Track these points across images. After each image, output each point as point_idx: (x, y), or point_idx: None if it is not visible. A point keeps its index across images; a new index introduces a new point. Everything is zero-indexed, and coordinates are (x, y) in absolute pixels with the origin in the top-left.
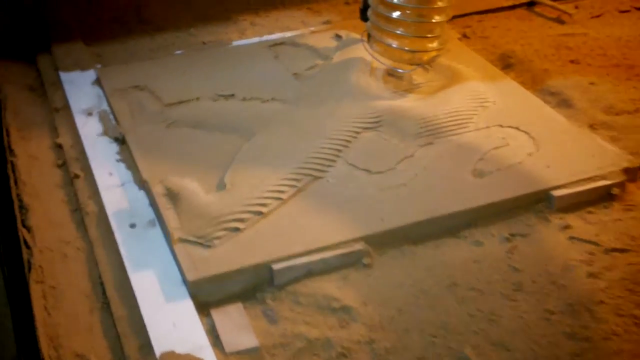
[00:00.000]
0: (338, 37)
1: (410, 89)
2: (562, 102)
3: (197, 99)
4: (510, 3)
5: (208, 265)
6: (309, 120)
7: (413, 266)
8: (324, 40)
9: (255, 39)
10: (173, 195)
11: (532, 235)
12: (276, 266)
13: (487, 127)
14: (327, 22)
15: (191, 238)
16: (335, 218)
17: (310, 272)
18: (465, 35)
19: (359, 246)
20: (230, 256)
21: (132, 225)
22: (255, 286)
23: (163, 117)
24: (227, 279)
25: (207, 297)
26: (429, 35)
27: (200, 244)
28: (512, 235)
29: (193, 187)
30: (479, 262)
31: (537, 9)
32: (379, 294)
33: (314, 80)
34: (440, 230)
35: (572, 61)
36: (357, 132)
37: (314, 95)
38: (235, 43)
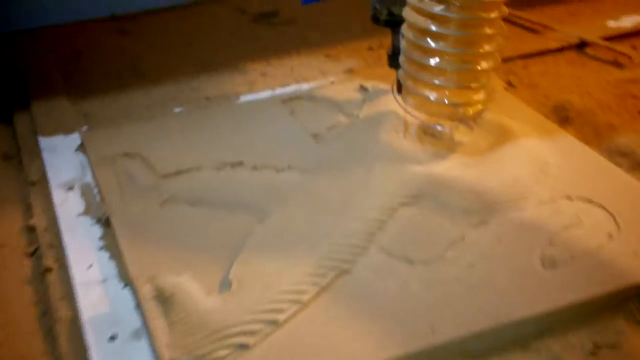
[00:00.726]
0: (363, 89)
1: (452, 150)
2: (638, 165)
3: (198, 168)
4: (557, 45)
5: None
6: (333, 195)
7: None
8: (347, 93)
9: (267, 93)
10: (165, 299)
11: (623, 345)
12: None
13: (553, 200)
14: (349, 71)
15: (186, 358)
16: (371, 328)
17: None
18: (510, 84)
19: None
20: None
21: (113, 337)
22: None
23: (157, 192)
24: None
25: None
26: (474, 85)
27: None
28: (598, 347)
29: (191, 288)
30: None
31: (589, 50)
32: None
33: (337, 143)
34: (506, 342)
35: None
36: (394, 209)
37: (337, 162)
38: (243, 98)
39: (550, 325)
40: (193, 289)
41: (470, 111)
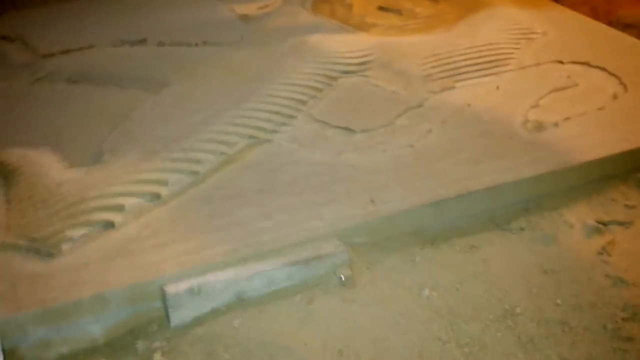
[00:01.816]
0: None
1: (413, 23)
2: None
3: (90, 47)
4: None
5: (39, 290)
6: (256, 62)
7: (430, 282)
8: None
9: None
10: (7, 173)
11: (637, 221)
12: (173, 287)
13: (538, 63)
14: None
15: (22, 241)
16: (289, 203)
17: (242, 298)
18: None
19: (330, 248)
20: (86, 273)
21: None
22: (134, 330)
23: (31, 70)
24: (77, 316)
25: (34, 353)
26: None
27: (37, 250)
28: (604, 223)
29: (44, 159)
30: (553, 273)
31: None
32: (365, 340)
33: (268, 19)
34: (478, 219)
35: None
36: (332, 77)
37: (267, 35)
38: None
39: (539, 198)
40: (47, 160)
41: None
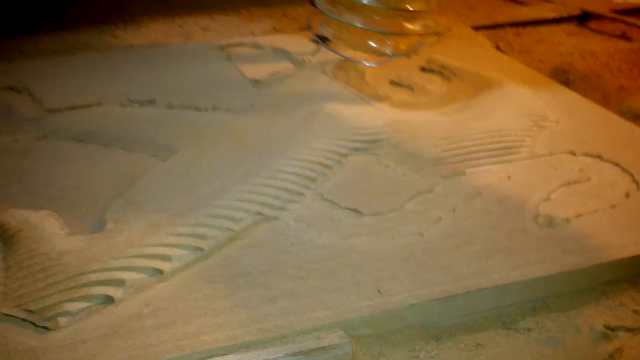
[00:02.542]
0: (321, 38)
1: (423, 100)
2: None
3: (99, 104)
4: (556, 15)
5: None
6: (265, 133)
7: None
8: (299, 43)
9: (204, 42)
10: (7, 237)
11: None
12: None
13: (551, 154)
14: (309, 28)
15: (18, 313)
16: (294, 287)
17: None
18: (498, 49)
19: (334, 339)
20: (83, 351)
21: None
22: None
23: (37, 126)
24: None
25: None
26: (408, 8)
27: (33, 323)
28: (612, 328)
29: (46, 224)
30: None
31: (593, 25)
32: None
33: (279, 86)
34: (485, 317)
35: None
36: (342, 154)
37: (275, 103)
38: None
39: (547, 298)
40: (49, 226)
41: (402, 45)
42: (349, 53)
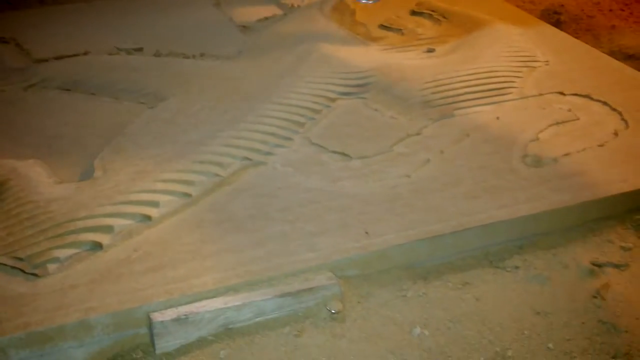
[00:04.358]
0: None
1: (414, 43)
2: None
3: (86, 53)
4: None
5: (23, 312)
6: (252, 78)
7: (422, 320)
8: None
9: None
10: None
11: (632, 264)
12: (161, 315)
13: (540, 94)
14: None
15: (6, 260)
16: (282, 231)
17: (230, 328)
18: None
19: (322, 280)
20: (72, 296)
21: None
22: (118, 356)
23: (24, 76)
24: (61, 340)
25: None
26: None
27: (22, 270)
28: (599, 265)
29: (34, 173)
30: (546, 315)
31: None
32: None
33: (267, 31)
34: (472, 256)
35: None
36: (330, 98)
37: (263, 48)
38: None
39: (532, 236)
40: (36, 175)
41: None
42: None
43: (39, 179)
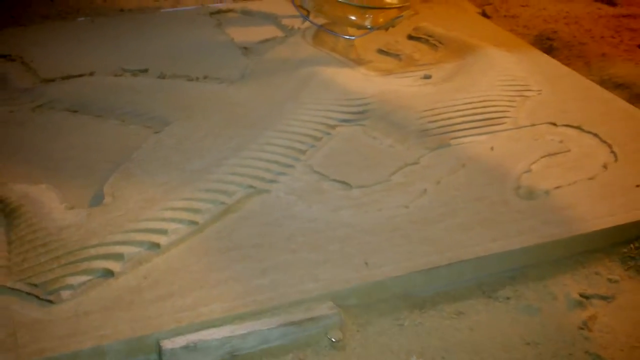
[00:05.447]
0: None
1: (411, 69)
2: (636, 98)
3: (91, 73)
4: None
5: (39, 338)
6: (255, 105)
7: (418, 349)
8: (287, 8)
9: (194, 7)
10: (9, 212)
11: (619, 297)
12: (170, 343)
13: (533, 124)
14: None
15: (21, 286)
16: (286, 260)
17: (235, 355)
18: (484, 14)
19: (323, 310)
20: (85, 321)
21: None
22: None
23: (32, 96)
24: None
25: None
26: None
27: (37, 296)
28: (586, 297)
29: (46, 198)
30: (535, 345)
31: None
32: None
33: (269, 55)
34: (466, 286)
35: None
36: (331, 126)
37: (266, 72)
38: (164, 10)
39: (525, 268)
40: (48, 200)
41: (380, 18)
42: (329, 26)
43: (51, 205)
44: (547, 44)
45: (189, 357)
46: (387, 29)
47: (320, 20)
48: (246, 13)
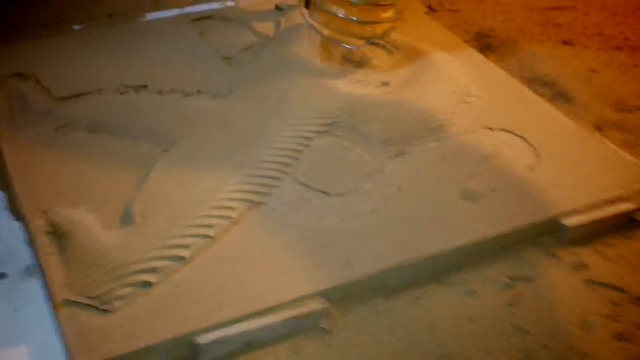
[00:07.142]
0: (279, 9)
1: (370, 74)
2: (559, 95)
3: (99, 91)
4: None
5: (105, 341)
6: (245, 123)
7: (389, 329)
8: (261, 14)
9: (175, 11)
10: (60, 235)
11: (539, 278)
12: (202, 338)
13: (474, 130)
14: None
15: (82, 299)
16: (284, 264)
17: (250, 344)
18: (430, 8)
19: (315, 305)
20: (137, 325)
21: (2, 275)
22: None
23: (52, 117)
24: None
25: None
26: (383, 3)
27: (95, 307)
28: (513, 279)
29: (88, 222)
30: (475, 321)
31: None
32: None
33: (251, 67)
34: (423, 276)
35: (564, 42)
36: (309, 138)
37: (250, 86)
38: (149, 16)
39: (467, 259)
40: (90, 223)
41: (379, 30)
42: (335, 36)
43: (94, 227)
44: (485, 42)
45: (216, 349)
46: (383, 39)
47: (325, 32)
48: (225, 19)
